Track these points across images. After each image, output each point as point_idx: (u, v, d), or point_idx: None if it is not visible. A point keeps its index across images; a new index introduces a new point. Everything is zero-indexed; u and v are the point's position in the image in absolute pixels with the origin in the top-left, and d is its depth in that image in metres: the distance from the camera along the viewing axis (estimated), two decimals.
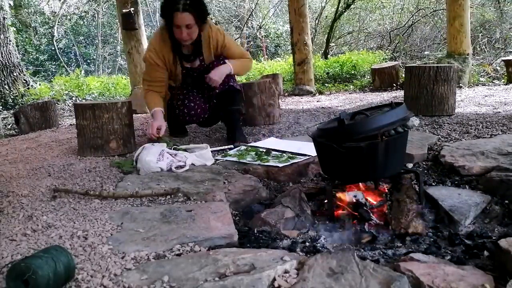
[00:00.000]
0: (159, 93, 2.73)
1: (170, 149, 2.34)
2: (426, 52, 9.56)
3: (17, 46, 8.75)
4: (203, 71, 2.76)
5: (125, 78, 8.67)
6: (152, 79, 2.72)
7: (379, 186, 1.78)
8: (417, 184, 1.69)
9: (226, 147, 2.61)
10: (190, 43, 2.62)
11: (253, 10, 13.07)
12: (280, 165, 2.13)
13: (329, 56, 9.90)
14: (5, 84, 7.04)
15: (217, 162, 2.34)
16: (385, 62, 7.67)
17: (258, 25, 13.08)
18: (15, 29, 9.50)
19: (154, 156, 2.15)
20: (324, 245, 1.47)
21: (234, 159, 2.32)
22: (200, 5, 2.53)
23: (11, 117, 5.54)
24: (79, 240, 1.35)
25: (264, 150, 2.41)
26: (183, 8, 2.45)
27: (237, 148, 2.52)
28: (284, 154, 2.30)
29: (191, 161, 2.22)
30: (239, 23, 13.36)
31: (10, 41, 7.24)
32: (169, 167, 2.15)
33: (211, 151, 2.51)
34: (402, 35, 10.41)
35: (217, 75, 2.64)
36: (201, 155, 2.29)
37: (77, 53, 11.35)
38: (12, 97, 6.98)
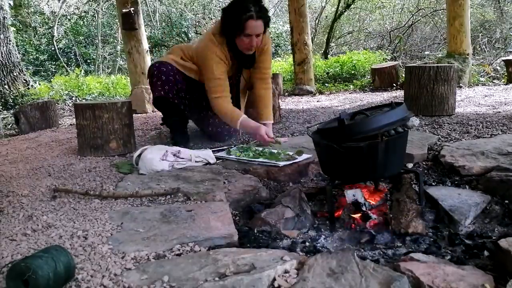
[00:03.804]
0: (225, 98, 2.55)
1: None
2: (426, 52, 9.56)
3: (17, 46, 8.74)
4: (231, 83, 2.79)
5: (125, 78, 8.67)
6: (219, 76, 2.51)
7: (379, 186, 1.78)
8: (417, 184, 1.69)
9: (226, 147, 2.61)
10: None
11: None
12: (281, 164, 2.13)
13: (329, 56, 9.91)
14: (5, 84, 7.04)
15: (216, 162, 2.34)
16: (385, 62, 7.67)
17: None
18: (15, 29, 9.49)
19: (158, 155, 2.15)
20: (324, 245, 1.47)
21: (233, 157, 2.33)
22: (267, 10, 2.44)
23: (11, 117, 5.54)
24: (79, 240, 1.35)
25: (261, 148, 2.41)
26: (257, 15, 2.34)
27: (237, 147, 2.52)
28: (280, 151, 2.30)
29: (195, 157, 2.23)
30: None
31: (10, 41, 7.23)
32: (171, 167, 2.16)
33: (212, 151, 2.52)
34: (402, 35, 10.41)
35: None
36: (204, 153, 2.31)
37: (77, 53, 11.33)
38: (12, 97, 6.97)
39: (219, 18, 2.57)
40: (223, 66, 2.54)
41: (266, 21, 2.45)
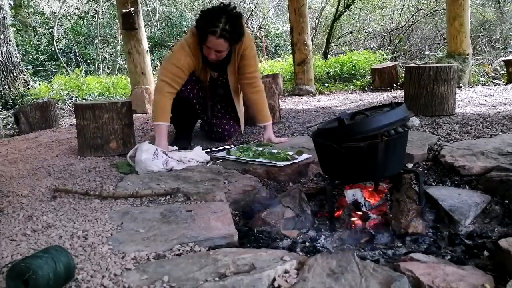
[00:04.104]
0: (173, 95, 2.50)
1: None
2: (426, 52, 9.56)
3: (17, 46, 8.74)
4: (221, 82, 2.80)
5: (125, 78, 8.67)
6: (181, 67, 2.48)
7: (379, 186, 1.78)
8: (417, 184, 1.69)
9: (226, 147, 2.62)
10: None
11: (253, 10, 13.08)
12: (281, 164, 2.13)
13: (329, 56, 9.91)
14: (5, 84, 7.04)
15: (217, 162, 2.34)
16: (385, 62, 7.67)
17: (258, 25, 13.08)
18: (15, 29, 9.49)
19: (150, 155, 2.15)
20: (324, 245, 1.47)
21: (233, 157, 2.33)
22: (237, 29, 2.40)
23: (11, 117, 5.54)
24: (79, 240, 1.35)
25: (261, 149, 2.41)
26: (220, 34, 2.33)
27: (237, 147, 2.52)
28: (280, 151, 2.30)
29: (188, 158, 2.23)
30: None
31: (10, 41, 7.24)
32: (165, 165, 2.15)
33: (211, 151, 2.52)
34: (402, 35, 10.41)
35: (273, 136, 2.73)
36: (195, 153, 2.31)
37: (77, 53, 11.33)
38: (12, 97, 6.97)
39: None
40: (191, 61, 2.53)
41: (232, 41, 2.42)
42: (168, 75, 2.47)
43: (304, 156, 2.24)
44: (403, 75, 4.87)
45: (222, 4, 2.42)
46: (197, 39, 2.50)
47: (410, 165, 2.12)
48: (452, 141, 2.45)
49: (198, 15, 2.48)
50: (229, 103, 2.93)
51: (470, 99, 4.31)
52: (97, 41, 11.34)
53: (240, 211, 1.77)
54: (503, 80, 6.09)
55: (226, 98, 2.91)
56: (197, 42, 2.52)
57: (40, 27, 11.96)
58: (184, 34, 11.84)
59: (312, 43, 7.44)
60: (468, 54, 5.69)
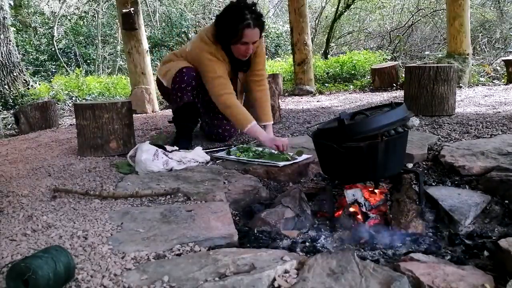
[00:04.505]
0: (235, 95, 2.47)
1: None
2: (426, 52, 9.56)
3: (17, 46, 8.74)
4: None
5: (125, 78, 8.67)
6: (221, 74, 2.45)
7: (379, 186, 1.78)
8: (417, 184, 1.69)
9: (226, 147, 2.62)
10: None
11: None
12: (280, 164, 2.13)
13: (329, 56, 9.91)
14: (5, 84, 7.04)
15: (217, 162, 2.34)
16: (385, 62, 7.67)
17: None
18: (15, 29, 9.49)
19: (150, 155, 2.15)
20: (324, 245, 1.47)
21: (233, 157, 2.33)
22: (261, 16, 2.43)
23: (11, 117, 5.55)
24: (79, 240, 1.35)
25: (261, 149, 2.41)
26: (254, 24, 2.34)
27: (237, 147, 2.52)
28: (279, 152, 2.30)
29: (188, 158, 2.23)
30: None
31: (10, 41, 7.23)
32: (165, 165, 2.16)
33: (211, 151, 2.52)
34: (402, 35, 10.41)
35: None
36: (195, 153, 2.31)
37: (77, 53, 11.33)
38: (12, 97, 6.97)
39: (213, 19, 2.55)
40: (222, 64, 2.51)
41: (262, 28, 2.45)
42: (219, 87, 2.44)
43: (304, 156, 2.24)
44: (403, 75, 4.87)
45: (231, 2, 2.42)
46: (219, 45, 2.47)
47: (410, 165, 2.12)
48: (452, 141, 2.45)
49: (216, 21, 2.46)
50: None
51: (470, 99, 4.31)
52: (97, 41, 11.33)
53: (240, 211, 1.77)
54: (503, 80, 6.09)
55: None
56: (220, 47, 2.49)
57: (40, 27, 11.95)
58: (184, 34, 11.87)
59: (312, 43, 7.44)
60: (468, 54, 5.68)
